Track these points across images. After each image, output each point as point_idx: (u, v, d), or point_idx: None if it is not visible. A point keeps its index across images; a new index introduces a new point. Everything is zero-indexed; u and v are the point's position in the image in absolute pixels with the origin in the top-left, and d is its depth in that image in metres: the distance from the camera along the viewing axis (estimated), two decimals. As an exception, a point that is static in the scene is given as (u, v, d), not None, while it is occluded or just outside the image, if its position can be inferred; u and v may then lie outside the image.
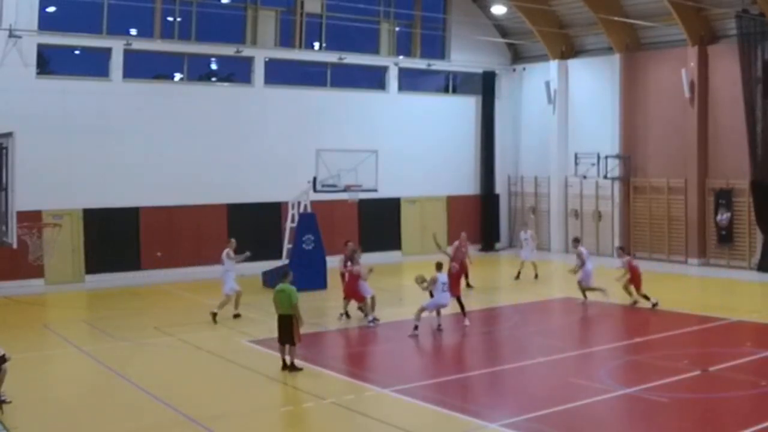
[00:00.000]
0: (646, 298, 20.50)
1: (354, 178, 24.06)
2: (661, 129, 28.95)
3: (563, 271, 26.77)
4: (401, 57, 31.85)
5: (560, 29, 31.72)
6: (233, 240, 20.52)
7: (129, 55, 26.17)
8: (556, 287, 25.40)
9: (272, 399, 13.45)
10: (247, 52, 28.32)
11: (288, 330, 14.58)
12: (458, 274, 19.64)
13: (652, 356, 15.36)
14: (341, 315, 19.54)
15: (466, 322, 18.48)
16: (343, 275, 19.98)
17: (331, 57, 30.16)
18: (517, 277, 25.70)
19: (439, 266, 17.99)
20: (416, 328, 17.60)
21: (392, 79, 31.62)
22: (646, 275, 26.46)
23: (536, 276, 25.67)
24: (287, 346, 14.68)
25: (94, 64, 26.19)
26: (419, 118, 31.74)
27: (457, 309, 19.36)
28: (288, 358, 14.69)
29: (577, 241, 23.54)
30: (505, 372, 15.18)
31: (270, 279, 24.38)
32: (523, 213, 34.11)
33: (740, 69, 25.75)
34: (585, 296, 21.53)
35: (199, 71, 28.85)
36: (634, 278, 20.76)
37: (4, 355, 12.30)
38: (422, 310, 17.83)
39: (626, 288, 20.85)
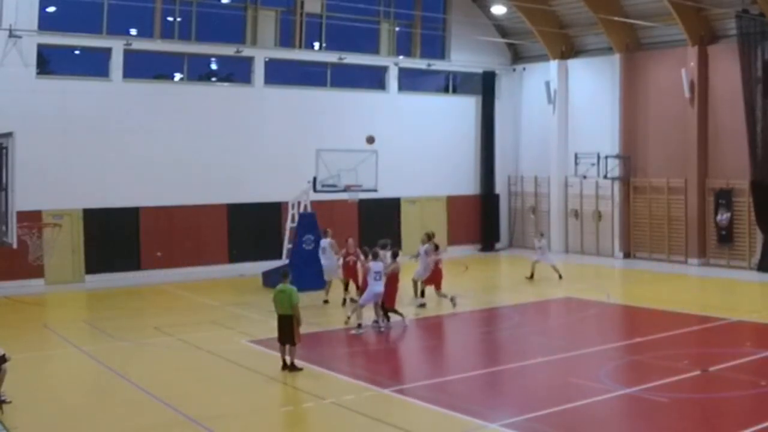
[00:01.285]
0: (445, 296, 20.81)
1: (354, 178, 24.05)
2: (661, 129, 28.95)
3: (563, 271, 26.79)
4: (401, 57, 31.85)
5: (560, 29, 31.72)
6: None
7: (129, 55, 26.16)
8: (556, 287, 25.37)
9: (272, 399, 13.45)
10: (247, 52, 28.32)
11: (288, 330, 14.58)
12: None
13: (652, 356, 15.35)
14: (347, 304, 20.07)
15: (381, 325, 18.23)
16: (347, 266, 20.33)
17: (331, 57, 30.16)
18: (531, 277, 25.28)
19: (375, 255, 18.16)
20: (360, 326, 17.81)
21: (392, 79, 31.62)
22: (647, 275, 26.66)
23: (560, 276, 25.13)
24: (287, 346, 14.68)
25: (94, 64, 26.19)
26: (419, 118, 31.74)
27: (452, 309, 19.46)
28: (288, 358, 14.70)
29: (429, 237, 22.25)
30: (505, 372, 15.18)
31: (270, 279, 24.40)
32: (523, 213, 34.13)
33: (740, 69, 25.75)
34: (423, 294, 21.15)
35: (199, 71, 28.85)
36: (437, 276, 20.73)
37: (4, 355, 12.30)
38: (360, 307, 18.00)
39: (424, 284, 20.88)
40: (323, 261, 21.95)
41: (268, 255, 26.06)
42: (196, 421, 11.88)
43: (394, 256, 18.98)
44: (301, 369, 14.61)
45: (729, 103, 26.56)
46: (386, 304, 18.26)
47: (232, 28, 28.39)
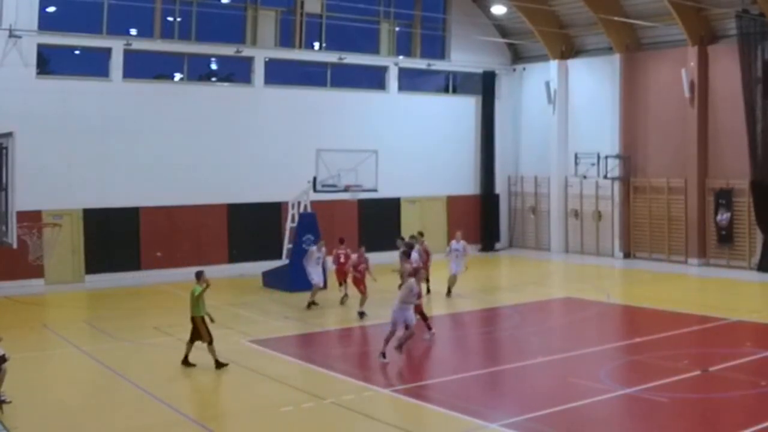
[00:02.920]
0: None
1: (354, 178, 24.07)
2: (661, 129, 28.95)
3: (563, 271, 26.83)
4: (401, 57, 31.85)
5: (560, 29, 31.72)
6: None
7: (129, 55, 26.16)
8: (556, 287, 25.41)
9: (272, 399, 13.44)
10: (247, 52, 28.32)
11: (195, 330, 14.94)
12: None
13: (652, 356, 15.36)
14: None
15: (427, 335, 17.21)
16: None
17: (331, 57, 30.16)
18: (448, 293, 22.42)
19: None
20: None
21: (392, 79, 31.61)
22: (647, 275, 26.65)
23: (449, 292, 22.42)
24: (206, 345, 14.97)
25: (94, 64, 26.19)
26: (419, 118, 31.74)
27: (447, 311, 19.32)
28: (188, 354, 15.09)
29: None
30: (505, 372, 15.19)
31: (270, 279, 24.42)
32: (523, 213, 34.13)
33: (740, 69, 25.75)
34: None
35: (199, 71, 28.84)
36: (342, 271, 20.93)
37: (3, 355, 12.30)
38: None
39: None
40: (310, 268, 21.30)
41: (268, 255, 26.05)
42: (196, 421, 11.89)
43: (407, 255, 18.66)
44: (226, 365, 14.81)
45: (729, 103, 26.55)
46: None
47: (232, 28, 28.39)
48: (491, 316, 20.52)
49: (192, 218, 27.03)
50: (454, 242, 22.82)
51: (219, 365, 14.86)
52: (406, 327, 15.34)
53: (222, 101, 27.92)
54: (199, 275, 15.34)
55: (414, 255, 20.69)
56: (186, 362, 15.08)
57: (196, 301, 15.05)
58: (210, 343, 14.97)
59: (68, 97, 24.88)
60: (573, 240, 32.28)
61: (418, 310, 17.18)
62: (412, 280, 15.69)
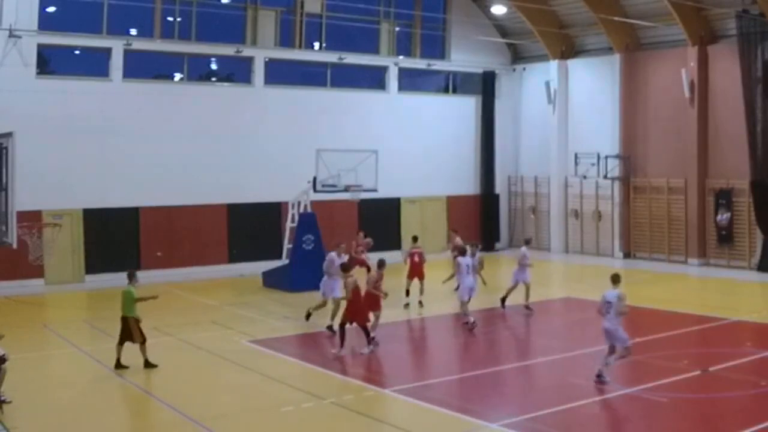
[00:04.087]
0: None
1: (354, 178, 24.06)
2: (661, 129, 28.96)
3: (563, 271, 26.76)
4: (401, 57, 31.85)
5: (560, 29, 31.72)
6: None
7: (129, 55, 26.16)
8: (556, 287, 25.41)
9: (272, 399, 13.44)
10: (247, 52, 28.32)
11: (126, 331, 14.93)
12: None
13: (652, 356, 15.36)
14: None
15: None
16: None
17: (331, 57, 30.15)
18: (527, 307, 20.58)
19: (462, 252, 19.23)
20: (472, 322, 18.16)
21: (392, 79, 31.61)
22: (647, 275, 26.64)
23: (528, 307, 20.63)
24: (129, 345, 14.94)
25: (94, 64, 26.19)
26: (419, 118, 31.74)
27: (447, 311, 19.29)
28: (140, 356, 15.00)
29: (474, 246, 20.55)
30: (505, 372, 15.18)
31: (270, 279, 24.42)
32: (523, 213, 34.13)
33: (740, 69, 25.75)
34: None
35: (199, 71, 28.85)
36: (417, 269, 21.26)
37: (3, 355, 12.31)
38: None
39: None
40: (328, 277, 18.73)
41: (268, 255, 26.06)
42: (196, 421, 11.88)
43: (344, 269, 16.64)
44: (155, 366, 14.82)
45: (729, 103, 26.55)
46: (357, 322, 16.11)
47: (232, 28, 28.38)
48: (491, 316, 20.49)
49: (192, 218, 27.03)
50: (525, 248, 20.92)
51: (148, 365, 14.90)
52: (624, 346, 13.69)
53: (222, 101, 27.91)
54: (131, 276, 15.36)
55: (468, 260, 19.05)
56: (118, 365, 14.91)
57: (132, 303, 15.00)
58: (143, 343, 14.98)
59: (68, 97, 24.85)
60: (573, 240, 32.28)
61: (362, 324, 16.03)
62: (619, 291, 13.91)
